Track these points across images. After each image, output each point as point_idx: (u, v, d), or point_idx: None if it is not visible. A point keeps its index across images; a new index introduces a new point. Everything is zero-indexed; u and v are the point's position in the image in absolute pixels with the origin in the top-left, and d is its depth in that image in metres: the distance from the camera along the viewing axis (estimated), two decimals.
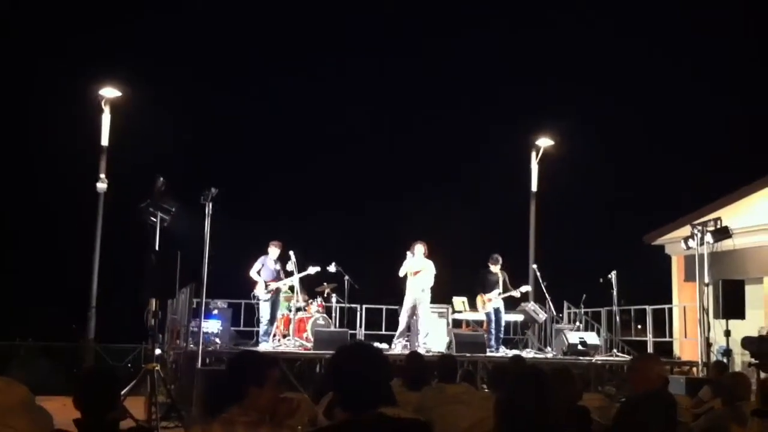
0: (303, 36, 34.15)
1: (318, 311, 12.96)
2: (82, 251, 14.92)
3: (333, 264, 12.92)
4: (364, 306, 14.32)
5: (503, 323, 13.31)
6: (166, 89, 24.12)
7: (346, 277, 13.29)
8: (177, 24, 28.50)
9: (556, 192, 19.49)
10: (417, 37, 34.15)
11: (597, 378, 12.02)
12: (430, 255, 12.41)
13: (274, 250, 12.39)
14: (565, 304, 15.73)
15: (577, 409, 4.52)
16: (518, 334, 15.27)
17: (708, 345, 11.55)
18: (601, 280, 13.78)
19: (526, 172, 17.17)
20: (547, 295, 13.87)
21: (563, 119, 18.92)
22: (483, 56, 31.25)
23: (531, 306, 13.85)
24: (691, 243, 12.02)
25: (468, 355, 11.69)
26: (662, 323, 15.08)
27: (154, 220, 9.53)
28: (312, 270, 12.49)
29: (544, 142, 16.92)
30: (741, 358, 12.93)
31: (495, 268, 13.01)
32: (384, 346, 12.34)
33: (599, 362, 12.46)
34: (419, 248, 12.31)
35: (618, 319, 14.10)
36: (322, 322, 12.79)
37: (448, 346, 12.58)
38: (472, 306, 13.79)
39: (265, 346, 11.85)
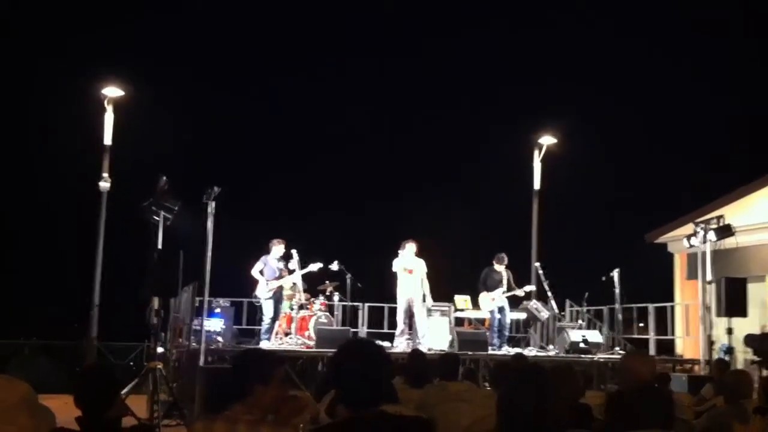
0: (303, 36, 34.15)
1: (320, 309, 12.97)
2: (83, 250, 14.95)
3: (335, 262, 12.92)
4: (366, 304, 14.33)
5: (508, 322, 13.33)
6: (166, 89, 24.15)
7: (349, 276, 13.29)
8: (177, 24, 28.53)
9: (558, 191, 19.47)
10: (417, 37, 34.16)
11: (599, 376, 12.03)
12: (428, 254, 12.45)
13: (276, 249, 12.37)
14: (568, 302, 15.74)
15: (579, 406, 4.52)
16: (520, 332, 15.29)
17: (710, 343, 11.55)
18: (603, 279, 13.78)
19: (527, 172, 17.16)
20: (549, 293, 13.88)
21: (563, 119, 18.88)
22: (483, 56, 31.25)
23: (533, 304, 13.86)
24: (693, 241, 12.01)
25: (470, 353, 11.69)
26: (664, 321, 15.08)
27: (157, 218, 9.55)
28: (314, 266, 12.49)
29: (547, 140, 16.92)
30: (743, 356, 12.92)
31: (500, 267, 13.05)
32: (386, 344, 12.35)
33: (601, 360, 12.46)
34: (411, 247, 12.34)
35: (620, 317, 14.10)
36: (325, 321, 12.80)
37: (451, 344, 12.59)
38: (475, 304, 13.80)
39: (265, 345, 11.85)
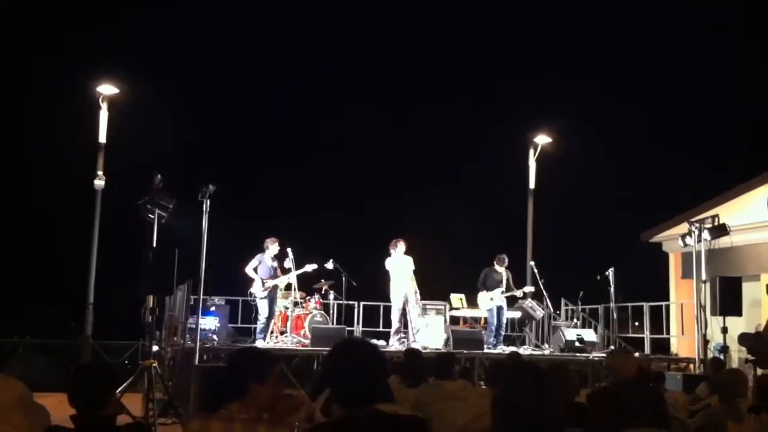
0: (303, 36, 34.05)
1: (315, 308, 12.96)
2: (80, 249, 14.91)
3: (330, 261, 12.92)
4: (361, 303, 14.34)
5: (504, 321, 13.36)
6: (166, 89, 24.08)
7: (344, 274, 13.30)
8: (177, 24, 28.44)
9: (555, 191, 19.51)
10: (417, 37, 34.05)
11: (594, 375, 12.05)
12: (428, 254, 12.50)
13: (271, 248, 12.37)
14: (563, 301, 15.76)
15: (574, 405, 4.53)
16: (516, 331, 15.30)
17: (705, 342, 11.57)
18: (599, 277, 13.82)
19: (526, 172, 17.20)
20: (544, 292, 13.90)
21: (563, 119, 18.92)
22: (483, 56, 31.20)
23: (528, 303, 13.88)
24: (688, 240, 12.04)
25: (465, 351, 11.72)
26: (659, 320, 15.10)
27: (152, 217, 9.53)
28: (309, 268, 12.48)
29: (542, 139, 16.96)
30: (738, 355, 12.98)
31: (500, 268, 13.17)
32: (381, 342, 12.36)
33: (596, 359, 12.48)
34: (402, 245, 12.41)
35: (615, 316, 14.12)
36: (320, 319, 12.80)
37: (446, 343, 12.61)
38: (470, 303, 13.83)
39: (261, 344, 11.84)
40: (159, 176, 9.65)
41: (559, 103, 26.98)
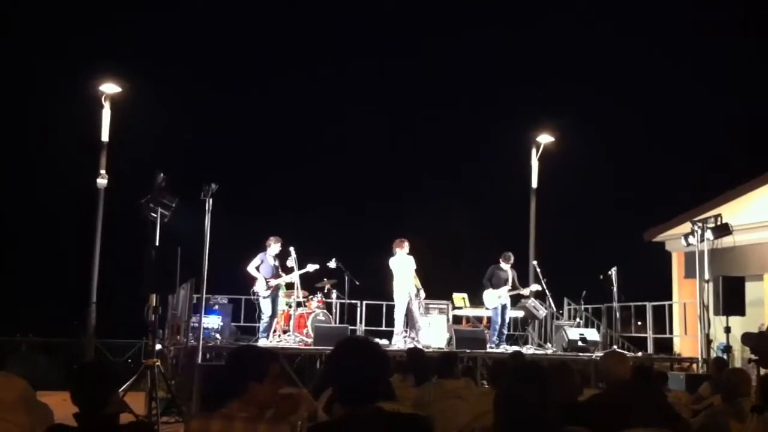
0: (303, 36, 34.08)
1: (318, 307, 12.97)
2: (82, 248, 14.93)
3: (333, 260, 12.92)
4: (364, 302, 14.34)
5: (507, 320, 13.35)
6: (166, 89, 24.13)
7: (346, 273, 13.30)
8: (177, 24, 28.48)
9: (557, 190, 19.48)
10: (417, 37, 34.01)
11: (597, 374, 12.01)
12: (428, 253, 12.50)
13: (273, 246, 12.37)
14: (566, 301, 15.74)
15: (576, 404, 4.52)
16: (518, 330, 15.30)
17: (708, 341, 11.56)
18: (602, 277, 13.80)
19: (526, 171, 17.17)
20: (547, 291, 13.89)
21: (563, 119, 18.89)
22: (483, 56, 31.19)
23: (531, 302, 13.87)
24: (691, 240, 12.02)
25: (468, 350, 11.71)
26: (662, 320, 15.08)
27: (155, 215, 9.54)
28: (311, 268, 12.48)
29: (545, 138, 16.93)
30: (741, 355, 12.94)
31: (506, 266, 13.14)
32: (384, 342, 12.37)
33: (599, 358, 12.45)
34: (406, 245, 12.47)
35: (618, 315, 14.11)
36: (323, 318, 12.80)
37: (449, 342, 12.61)
38: (473, 302, 13.81)
39: (263, 342, 11.84)
40: (161, 175, 9.65)
41: (559, 102, 27.00)
